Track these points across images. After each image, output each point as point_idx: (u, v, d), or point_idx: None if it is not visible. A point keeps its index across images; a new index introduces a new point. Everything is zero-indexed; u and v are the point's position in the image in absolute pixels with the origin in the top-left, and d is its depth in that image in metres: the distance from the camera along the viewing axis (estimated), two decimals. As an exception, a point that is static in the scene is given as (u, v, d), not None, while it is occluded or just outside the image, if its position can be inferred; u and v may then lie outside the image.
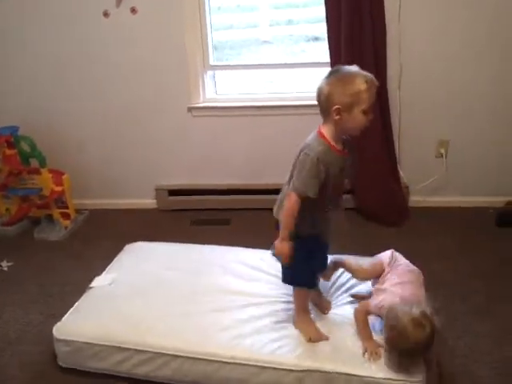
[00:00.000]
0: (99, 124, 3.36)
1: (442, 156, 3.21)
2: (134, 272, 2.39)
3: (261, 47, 4.00)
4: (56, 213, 3.22)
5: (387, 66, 2.98)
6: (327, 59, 2.99)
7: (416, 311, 1.71)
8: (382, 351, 1.80)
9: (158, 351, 1.93)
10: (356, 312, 1.93)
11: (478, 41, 2.95)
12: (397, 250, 2.11)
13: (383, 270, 2.00)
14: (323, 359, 1.84)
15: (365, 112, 1.69)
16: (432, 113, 3.13)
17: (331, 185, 1.78)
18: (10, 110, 3.30)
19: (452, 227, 3.06)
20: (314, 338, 1.92)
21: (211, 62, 3.27)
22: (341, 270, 2.25)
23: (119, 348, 1.97)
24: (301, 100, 3.15)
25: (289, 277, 1.98)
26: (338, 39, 2.91)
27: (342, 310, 2.07)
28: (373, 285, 2.06)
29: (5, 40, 3.20)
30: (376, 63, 2.90)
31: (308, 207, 1.77)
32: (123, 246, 2.64)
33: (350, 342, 1.89)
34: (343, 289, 2.21)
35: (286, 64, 3.43)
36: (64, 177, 3.16)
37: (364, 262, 2.16)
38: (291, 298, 2.06)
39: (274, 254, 1.87)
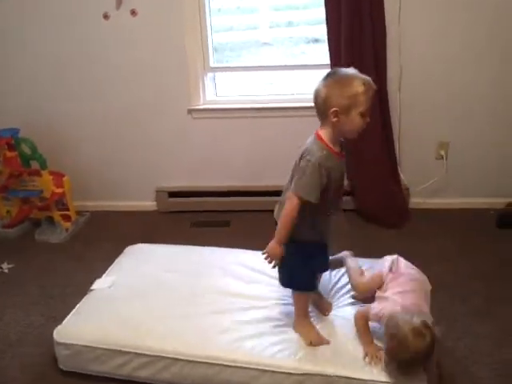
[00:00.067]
0: (99, 125, 3.36)
1: (442, 158, 3.21)
2: (134, 274, 2.39)
3: (261, 49, 3.99)
4: (57, 215, 3.22)
5: (387, 68, 2.97)
6: (327, 61, 2.99)
7: (417, 320, 1.69)
8: (382, 354, 1.79)
9: (158, 354, 1.93)
10: (356, 318, 1.92)
11: (478, 43, 2.95)
12: (397, 251, 2.11)
13: (383, 283, 1.98)
14: (324, 363, 1.83)
15: (362, 114, 1.69)
16: (432, 114, 3.13)
17: (332, 189, 1.78)
18: (9, 111, 3.30)
19: (452, 229, 3.06)
20: (315, 342, 1.91)
21: (211, 64, 3.27)
22: (341, 271, 2.26)
23: (119, 351, 1.97)
24: (301, 102, 3.14)
25: (287, 280, 1.98)
26: (338, 41, 2.91)
27: (343, 312, 2.07)
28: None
29: (5, 40, 3.20)
30: (376, 65, 2.91)
31: (309, 211, 1.77)
32: (124, 247, 2.65)
33: (351, 345, 1.88)
34: (344, 290, 2.20)
35: (286, 66, 3.43)
36: (64, 179, 3.16)
37: (364, 265, 2.16)
38: (292, 300, 2.05)
39: (263, 253, 1.84)
